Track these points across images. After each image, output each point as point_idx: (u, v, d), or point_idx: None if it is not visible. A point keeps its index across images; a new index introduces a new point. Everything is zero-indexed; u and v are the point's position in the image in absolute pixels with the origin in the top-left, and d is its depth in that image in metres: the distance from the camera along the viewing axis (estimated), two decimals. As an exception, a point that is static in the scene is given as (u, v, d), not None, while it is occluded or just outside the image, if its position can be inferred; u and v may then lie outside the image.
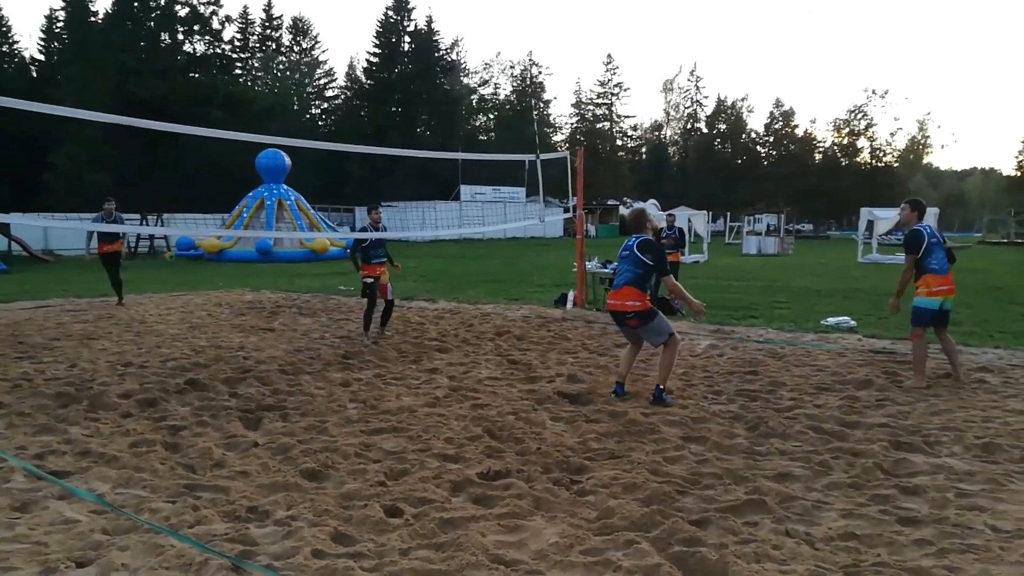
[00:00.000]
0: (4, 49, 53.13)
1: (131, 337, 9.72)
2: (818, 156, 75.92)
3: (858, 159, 73.62)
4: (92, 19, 49.97)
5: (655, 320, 6.26)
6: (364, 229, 9.78)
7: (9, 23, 53.49)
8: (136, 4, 52.84)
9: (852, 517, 3.82)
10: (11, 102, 6.96)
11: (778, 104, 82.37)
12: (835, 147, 74.58)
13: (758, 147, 79.72)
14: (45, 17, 54.32)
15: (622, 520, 3.77)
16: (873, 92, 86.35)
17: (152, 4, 53.73)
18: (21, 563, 3.32)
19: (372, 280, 9.43)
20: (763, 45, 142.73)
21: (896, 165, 75.27)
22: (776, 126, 77.94)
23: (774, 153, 78.20)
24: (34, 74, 52.11)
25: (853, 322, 10.45)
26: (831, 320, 10.59)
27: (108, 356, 8.34)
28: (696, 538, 3.55)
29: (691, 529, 3.64)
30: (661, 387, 6.20)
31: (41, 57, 53.75)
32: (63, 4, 49.89)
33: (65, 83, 45.64)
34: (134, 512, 3.90)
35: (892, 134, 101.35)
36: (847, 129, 73.16)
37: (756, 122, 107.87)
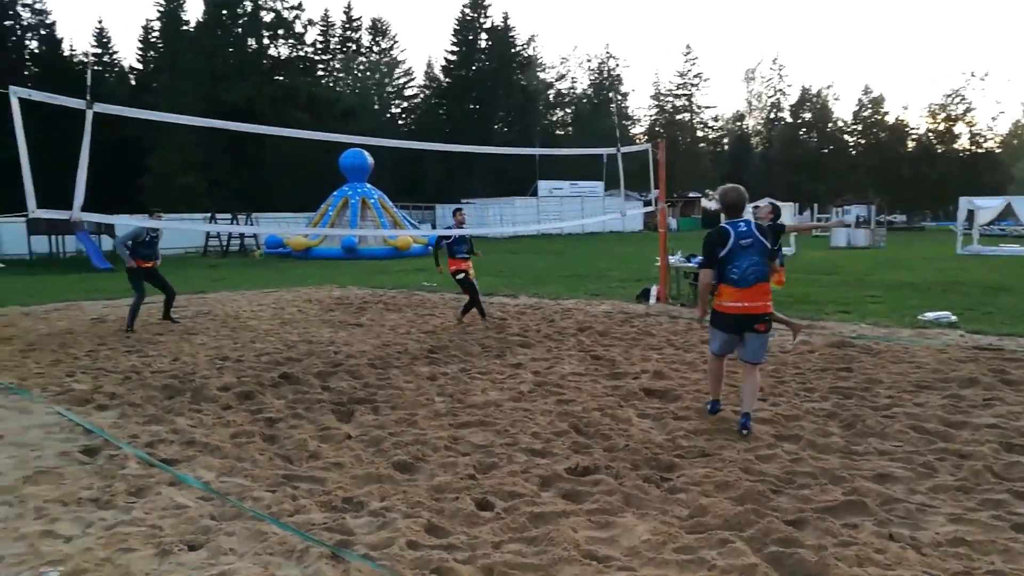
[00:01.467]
0: (106, 60, 56.14)
1: (227, 332, 10.13)
2: (911, 144, 72.59)
3: (955, 145, 70.01)
4: (184, 28, 52.24)
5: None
6: (448, 228, 10.37)
7: (110, 35, 56.55)
8: (224, 12, 54.94)
9: (961, 522, 3.65)
10: (116, 109, 7.35)
11: (867, 91, 79.13)
12: (930, 134, 71.11)
13: (845, 136, 76.79)
14: (142, 28, 57.11)
15: (715, 519, 3.71)
16: (972, 74, 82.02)
17: (239, 11, 55.76)
18: (139, 544, 3.52)
19: (463, 273, 10.21)
20: (849, 30, 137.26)
21: (998, 151, 71.27)
22: (864, 113, 74.89)
23: (863, 142, 75.17)
24: (132, 82, 54.87)
25: (954, 317, 9.96)
26: (930, 315, 10.13)
27: (207, 351, 8.73)
28: (793, 539, 3.46)
29: (787, 529, 3.55)
30: (750, 413, 5.26)
31: (139, 66, 56.58)
32: (158, 15, 52.37)
33: (160, 89, 47.92)
34: (238, 500, 4.07)
35: (993, 118, 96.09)
36: (943, 114, 69.66)
37: (843, 110, 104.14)
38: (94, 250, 25.70)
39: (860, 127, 75.54)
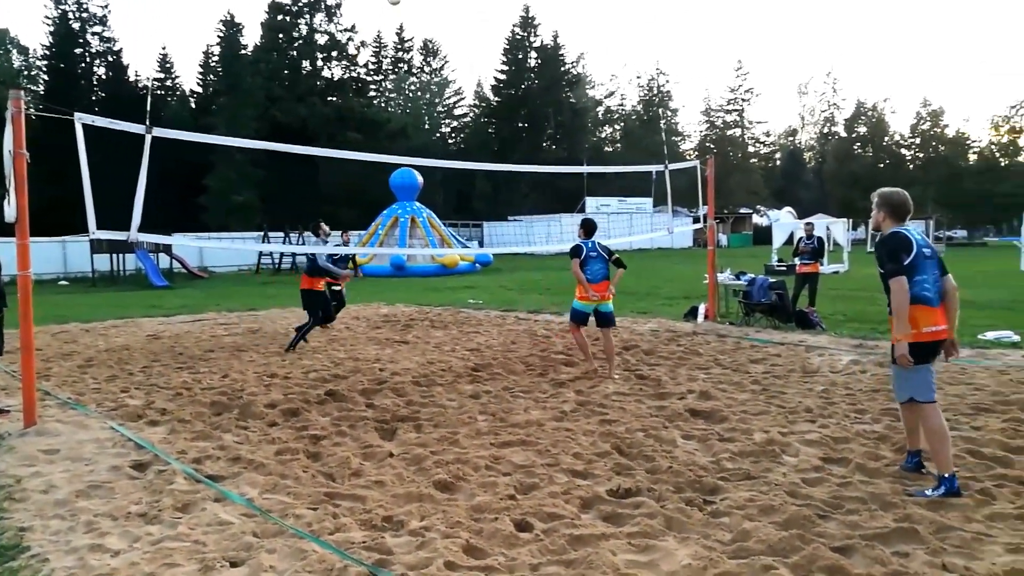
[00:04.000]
0: (168, 84, 58.15)
1: (276, 349, 10.32)
2: (972, 157, 70.37)
3: (1020, 158, 67.63)
4: (243, 52, 53.83)
5: None
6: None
7: (172, 61, 58.56)
8: (281, 36, 56.47)
9: (1020, 552, 3.49)
10: (173, 133, 7.60)
11: (925, 103, 77.24)
12: (992, 146, 68.85)
13: (902, 150, 74.86)
14: (202, 52, 59.06)
15: (759, 544, 3.62)
16: (1037, 85, 79.25)
17: (295, 35, 57.25)
18: (183, 560, 3.59)
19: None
20: (906, 42, 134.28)
21: (1067, 163, 68.58)
22: (923, 127, 72.94)
23: (921, 155, 73.16)
24: (192, 105, 56.68)
25: (1016, 337, 9.59)
26: (990, 335, 9.76)
27: (256, 367, 8.90)
28: (840, 567, 3.35)
29: (834, 556, 3.44)
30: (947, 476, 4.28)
31: (199, 89, 58.42)
32: (219, 40, 54.07)
33: (219, 112, 49.39)
34: (280, 517, 4.13)
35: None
36: (1007, 126, 67.39)
37: (900, 124, 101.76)
38: (152, 268, 26.53)
39: (918, 141, 73.55)
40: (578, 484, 4.59)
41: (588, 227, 8.40)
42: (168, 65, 57.96)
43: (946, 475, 4.24)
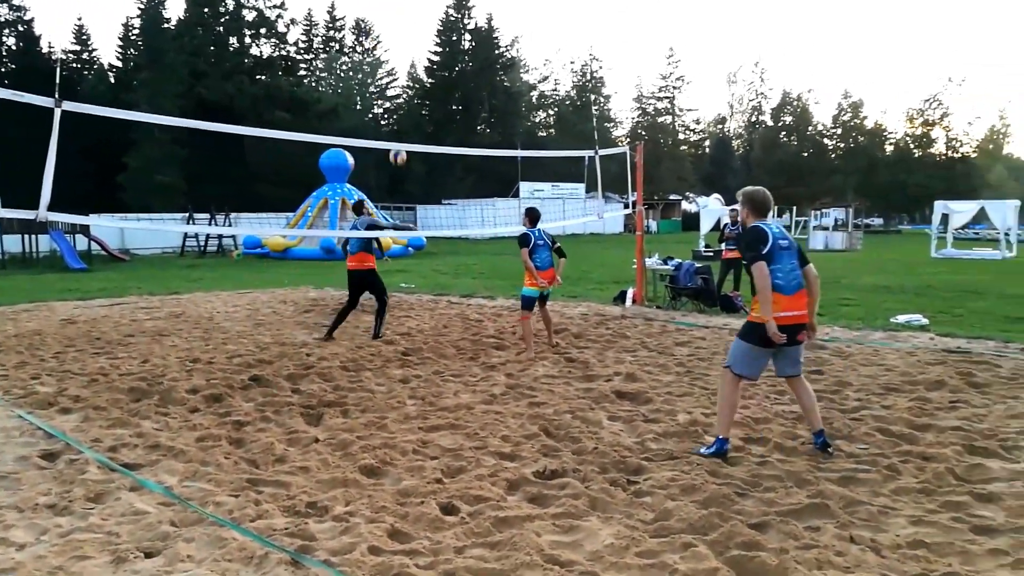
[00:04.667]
0: (85, 57, 55.52)
1: (199, 334, 10.03)
2: (889, 148, 73.24)
3: (932, 150, 70.73)
4: (165, 26, 51.76)
5: None
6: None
7: (89, 32, 55.88)
8: (207, 10, 54.51)
9: (922, 524, 3.67)
10: (86, 107, 7.25)
11: (846, 95, 79.77)
12: (907, 138, 71.79)
13: (825, 139, 77.38)
14: (122, 25, 56.48)
15: (679, 522, 3.71)
16: (949, 80, 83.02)
17: (222, 10, 55.35)
18: (94, 552, 3.46)
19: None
20: (830, 35, 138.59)
21: (974, 156, 72.07)
22: (844, 118, 75.50)
23: (842, 145, 75.76)
24: (112, 80, 54.28)
25: (925, 320, 10.06)
26: (901, 318, 10.22)
27: (178, 352, 8.63)
28: (755, 542, 3.46)
29: (750, 533, 3.55)
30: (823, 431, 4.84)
31: (118, 63, 55.97)
32: (139, 12, 51.83)
33: (140, 87, 47.45)
34: (199, 505, 4.02)
35: (970, 123, 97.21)
36: (921, 119, 70.37)
37: (823, 114, 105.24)
38: (68, 250, 25.38)
39: (840, 131, 76.14)
40: (505, 466, 4.61)
41: (533, 216, 8.65)
42: (85, 37, 55.39)
43: (720, 436, 4.78)
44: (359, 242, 9.63)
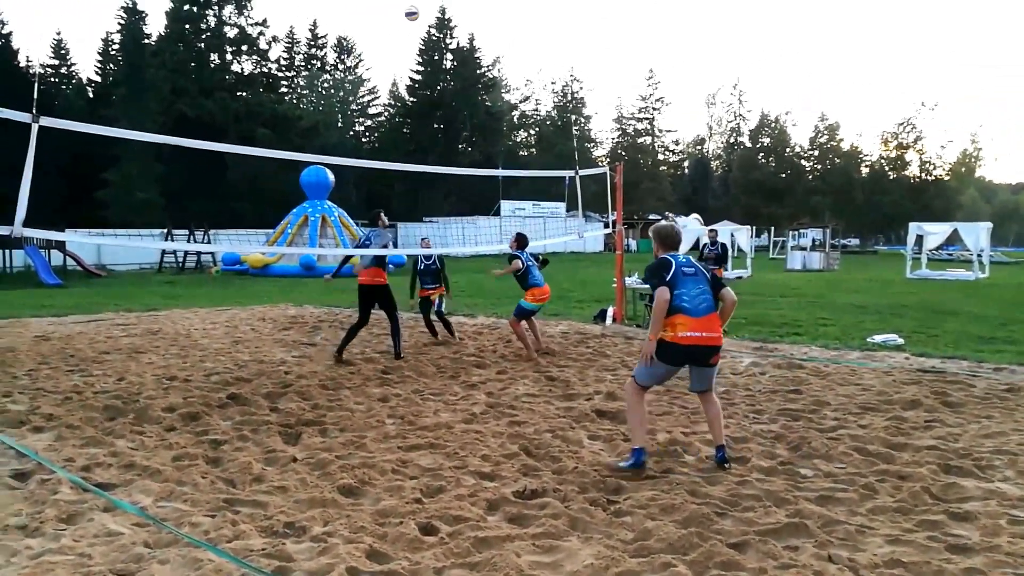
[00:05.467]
0: (63, 71, 55.09)
1: (177, 351, 9.92)
2: (864, 170, 74.44)
3: (906, 172, 71.95)
4: (146, 41, 51.54)
5: None
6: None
7: (68, 46, 55.49)
8: (188, 26, 54.43)
9: (898, 543, 3.70)
10: (63, 123, 7.21)
11: (823, 118, 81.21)
12: (882, 160, 73.02)
13: (802, 161, 78.51)
14: (102, 40, 56.15)
15: (659, 542, 3.71)
16: (923, 104, 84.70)
17: (203, 26, 55.29)
18: (65, 574, 3.39)
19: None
20: (807, 59, 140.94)
21: (947, 178, 73.41)
22: (821, 140, 76.70)
23: (819, 167, 76.88)
24: (90, 95, 53.88)
25: (901, 340, 10.19)
26: (878, 338, 10.34)
27: (155, 370, 8.53)
28: (734, 562, 3.47)
29: (729, 552, 3.56)
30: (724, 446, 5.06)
31: (97, 78, 55.58)
32: (119, 28, 51.60)
33: (119, 103, 47.12)
34: (175, 526, 3.96)
35: (943, 146, 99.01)
36: (895, 142, 71.63)
37: (800, 136, 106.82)
38: (43, 265, 25.05)
39: (817, 153, 77.24)
40: (485, 486, 4.59)
41: (522, 241, 9.64)
42: (63, 52, 54.97)
43: (635, 448, 4.86)
44: (372, 256, 9.43)
